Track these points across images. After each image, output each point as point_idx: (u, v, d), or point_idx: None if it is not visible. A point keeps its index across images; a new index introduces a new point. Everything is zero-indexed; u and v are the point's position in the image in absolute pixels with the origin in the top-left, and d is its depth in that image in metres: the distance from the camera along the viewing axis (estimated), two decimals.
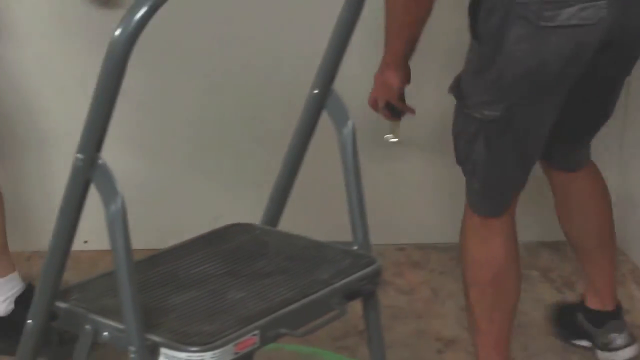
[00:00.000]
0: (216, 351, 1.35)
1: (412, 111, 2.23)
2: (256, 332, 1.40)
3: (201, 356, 1.34)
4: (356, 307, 1.81)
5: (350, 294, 1.56)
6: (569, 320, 2.40)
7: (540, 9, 1.86)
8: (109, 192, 1.30)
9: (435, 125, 2.79)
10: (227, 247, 1.67)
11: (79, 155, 1.31)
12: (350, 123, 1.63)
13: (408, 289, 2.77)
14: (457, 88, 2.05)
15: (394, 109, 2.21)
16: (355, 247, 1.66)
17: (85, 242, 2.35)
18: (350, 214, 1.65)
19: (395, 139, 2.29)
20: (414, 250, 2.98)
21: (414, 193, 3.01)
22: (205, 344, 1.34)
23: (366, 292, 1.59)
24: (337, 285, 1.54)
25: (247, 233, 1.71)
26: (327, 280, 1.55)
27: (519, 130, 1.97)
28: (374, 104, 2.22)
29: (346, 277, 1.56)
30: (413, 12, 2.10)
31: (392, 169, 2.96)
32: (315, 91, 1.64)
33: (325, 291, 1.52)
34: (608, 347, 2.29)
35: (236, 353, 1.38)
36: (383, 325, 2.51)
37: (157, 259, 1.61)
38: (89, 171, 1.32)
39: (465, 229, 2.12)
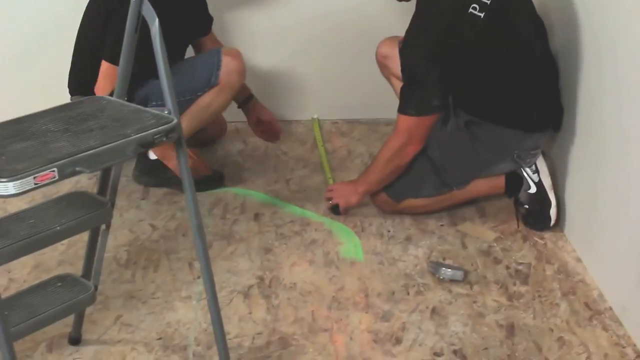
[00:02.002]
0: (17, 182, 1.56)
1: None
2: (54, 169, 1.60)
3: (5, 185, 1.56)
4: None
5: (145, 144, 1.75)
6: None
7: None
8: None
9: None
10: (73, 112, 1.84)
11: None
12: (156, 22, 1.82)
13: (331, 150, 3.01)
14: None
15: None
16: (166, 112, 1.83)
17: None
18: (162, 88, 1.84)
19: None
20: (344, 124, 3.20)
21: (342, 82, 3.22)
22: (11, 176, 1.56)
23: (159, 143, 1.77)
24: (133, 137, 1.72)
25: (95, 102, 1.89)
26: (128, 133, 1.73)
27: None
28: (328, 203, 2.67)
29: (142, 132, 1.74)
30: (397, 174, 2.58)
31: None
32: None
33: (122, 141, 1.70)
34: None
35: (36, 184, 1.58)
36: (305, 176, 2.82)
37: (20, 120, 1.79)
38: None
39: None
